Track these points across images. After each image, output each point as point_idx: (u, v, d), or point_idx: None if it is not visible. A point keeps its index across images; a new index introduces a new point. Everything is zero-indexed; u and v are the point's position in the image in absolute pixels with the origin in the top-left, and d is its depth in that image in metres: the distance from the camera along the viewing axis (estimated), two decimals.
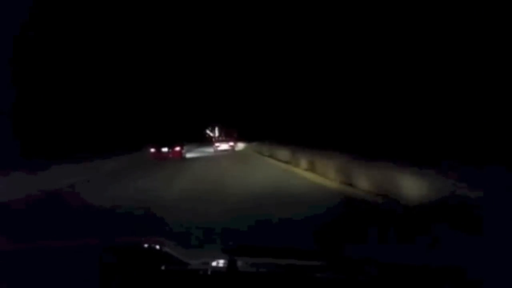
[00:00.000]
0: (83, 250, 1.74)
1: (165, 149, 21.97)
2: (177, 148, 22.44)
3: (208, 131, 78.50)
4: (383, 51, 15.21)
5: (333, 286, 1.29)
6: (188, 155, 25.23)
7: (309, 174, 11.01)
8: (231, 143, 31.74)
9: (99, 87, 24.96)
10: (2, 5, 14.58)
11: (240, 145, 34.12)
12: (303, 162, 12.52)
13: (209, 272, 1.44)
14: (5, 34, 14.64)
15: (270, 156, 19.63)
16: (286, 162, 15.01)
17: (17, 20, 15.69)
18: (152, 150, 22.07)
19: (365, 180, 7.60)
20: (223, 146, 31.28)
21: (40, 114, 20.02)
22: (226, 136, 35.35)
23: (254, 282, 1.33)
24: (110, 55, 25.28)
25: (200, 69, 45.50)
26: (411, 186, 5.91)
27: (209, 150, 31.76)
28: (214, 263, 1.54)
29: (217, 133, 68.94)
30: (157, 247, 1.73)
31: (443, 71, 11.99)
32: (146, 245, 1.87)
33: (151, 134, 25.23)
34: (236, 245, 1.68)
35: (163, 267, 1.45)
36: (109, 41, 25.12)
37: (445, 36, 11.90)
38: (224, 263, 1.43)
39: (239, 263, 1.40)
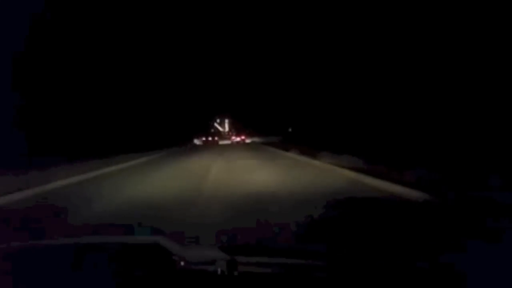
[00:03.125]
0: (79, 248, 1.78)
1: (210, 139, 43.57)
2: (216, 138, 44.14)
3: (216, 124, 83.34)
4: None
5: (331, 286, 1.28)
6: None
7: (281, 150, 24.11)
8: (243, 137, 46.24)
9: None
10: (5, 5, 14.50)
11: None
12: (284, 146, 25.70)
13: (208, 271, 1.44)
14: (7, 35, 14.53)
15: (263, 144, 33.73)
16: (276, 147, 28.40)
17: (21, 20, 15.45)
18: (203, 139, 43.45)
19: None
20: (237, 139, 46.12)
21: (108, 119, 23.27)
22: (237, 131, 50.72)
23: (253, 280, 1.34)
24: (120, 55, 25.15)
25: (205, 65, 47.36)
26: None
27: (227, 142, 45.83)
28: (213, 262, 1.49)
29: (227, 128, 79.32)
30: (155, 245, 1.71)
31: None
32: (143, 243, 1.90)
33: (189, 131, 42.35)
34: (234, 244, 2.02)
35: (161, 266, 1.48)
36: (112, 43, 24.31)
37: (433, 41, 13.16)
38: (223, 262, 1.42)
39: (238, 261, 1.41)
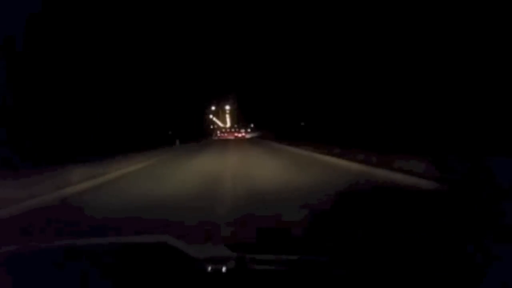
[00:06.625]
0: (87, 248, 1.81)
1: (224, 134, 64.70)
2: (226, 134, 63.51)
3: (212, 116, 78.55)
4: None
5: (339, 282, 1.31)
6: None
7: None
8: (243, 133, 59.02)
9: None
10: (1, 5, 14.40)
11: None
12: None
13: (218, 269, 1.47)
14: (2, 34, 14.40)
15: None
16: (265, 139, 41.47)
17: (15, 19, 15.17)
18: (219, 134, 66.08)
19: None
20: (239, 135, 59.35)
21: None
22: (239, 128, 64.11)
23: (262, 278, 1.37)
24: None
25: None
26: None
27: (230, 137, 57.45)
28: (223, 260, 1.52)
29: (228, 123, 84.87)
30: (163, 244, 1.75)
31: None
32: (151, 243, 1.93)
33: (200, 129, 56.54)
34: (242, 242, 2.04)
35: (171, 265, 1.51)
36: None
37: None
38: (232, 260, 1.46)
39: (246, 259, 1.44)
